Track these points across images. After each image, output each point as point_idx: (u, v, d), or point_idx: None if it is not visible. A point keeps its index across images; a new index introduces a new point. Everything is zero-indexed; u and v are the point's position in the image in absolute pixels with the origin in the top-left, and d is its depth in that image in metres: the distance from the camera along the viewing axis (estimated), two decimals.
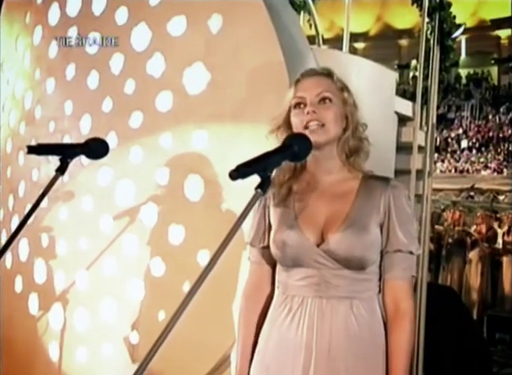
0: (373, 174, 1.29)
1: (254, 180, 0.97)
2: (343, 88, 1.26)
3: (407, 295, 1.21)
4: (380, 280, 1.25)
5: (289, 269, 1.25)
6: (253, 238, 1.34)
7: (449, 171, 16.01)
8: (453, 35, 3.50)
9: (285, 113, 1.26)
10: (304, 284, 1.21)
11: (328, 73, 1.26)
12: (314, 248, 1.19)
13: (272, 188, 1.28)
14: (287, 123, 1.26)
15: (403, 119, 3.09)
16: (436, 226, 7.41)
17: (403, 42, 23.15)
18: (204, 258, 2.01)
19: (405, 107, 3.13)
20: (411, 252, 1.20)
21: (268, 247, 1.29)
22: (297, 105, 1.23)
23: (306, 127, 1.19)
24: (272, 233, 1.27)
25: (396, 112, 2.96)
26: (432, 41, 3.49)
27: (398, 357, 1.18)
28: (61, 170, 1.29)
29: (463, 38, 21.09)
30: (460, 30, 3.49)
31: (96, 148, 1.41)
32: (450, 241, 7.06)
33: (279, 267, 1.29)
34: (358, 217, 1.19)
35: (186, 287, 2.05)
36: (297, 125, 1.22)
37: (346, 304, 1.18)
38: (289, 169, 1.28)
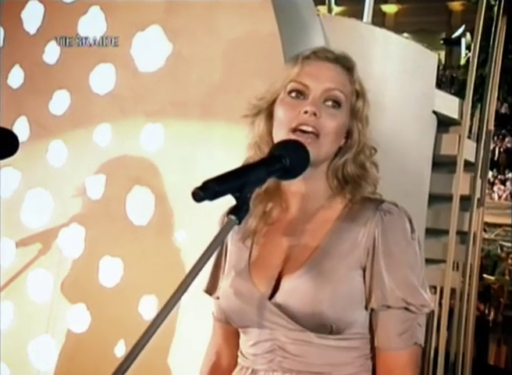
0: (364, 196, 1.25)
1: (226, 200, 1.01)
2: (360, 94, 1.26)
3: (407, 373, 1.19)
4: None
5: (242, 331, 1.30)
6: (208, 285, 1.39)
7: None
8: (454, 35, 3.49)
9: (274, 96, 1.26)
10: (254, 352, 1.25)
11: (349, 67, 1.26)
12: (264, 302, 1.21)
13: None
14: (272, 110, 1.26)
15: (444, 123, 3.15)
16: (488, 277, 7.50)
17: (456, 5, 23.26)
18: (148, 307, 2.07)
19: (449, 105, 3.18)
20: (408, 309, 1.17)
21: None
22: (296, 92, 1.24)
23: (294, 130, 1.19)
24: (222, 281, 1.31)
25: (436, 112, 3.05)
26: (495, 9, 3.53)
27: None
28: None
29: None
30: (461, 29, 3.45)
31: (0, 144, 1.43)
32: (509, 302, 7.17)
33: None
34: (326, 257, 1.19)
35: (121, 351, 2.10)
36: (283, 120, 1.22)
37: None
38: (263, 191, 1.28)
